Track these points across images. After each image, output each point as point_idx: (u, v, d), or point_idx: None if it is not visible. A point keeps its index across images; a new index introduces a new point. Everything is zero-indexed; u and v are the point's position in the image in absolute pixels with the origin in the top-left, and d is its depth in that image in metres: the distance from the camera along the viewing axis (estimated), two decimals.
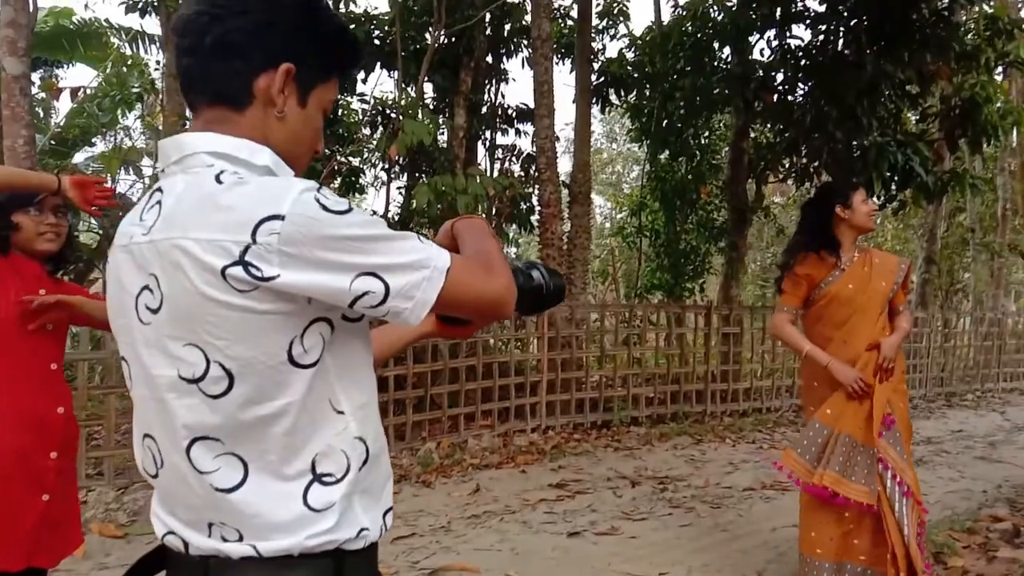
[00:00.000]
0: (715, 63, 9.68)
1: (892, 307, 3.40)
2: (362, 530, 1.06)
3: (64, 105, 12.65)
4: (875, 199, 9.09)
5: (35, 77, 9.14)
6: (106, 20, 10.73)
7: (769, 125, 10.08)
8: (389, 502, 1.15)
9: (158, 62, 9.97)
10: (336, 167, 6.56)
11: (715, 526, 4.71)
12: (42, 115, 10.51)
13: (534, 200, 8.40)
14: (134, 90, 8.73)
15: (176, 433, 1.04)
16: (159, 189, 1.07)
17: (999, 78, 9.69)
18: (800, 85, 9.27)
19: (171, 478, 1.07)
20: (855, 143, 8.64)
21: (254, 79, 1.06)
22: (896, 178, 8.68)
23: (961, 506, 5.10)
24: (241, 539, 1.03)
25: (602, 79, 9.54)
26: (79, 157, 11.26)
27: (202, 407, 1.01)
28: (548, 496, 5.34)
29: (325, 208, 0.95)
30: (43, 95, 10.25)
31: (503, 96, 11.85)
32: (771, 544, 4.32)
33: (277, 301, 0.96)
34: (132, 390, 1.11)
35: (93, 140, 12.47)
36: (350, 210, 0.97)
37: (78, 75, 51.19)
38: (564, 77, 36.20)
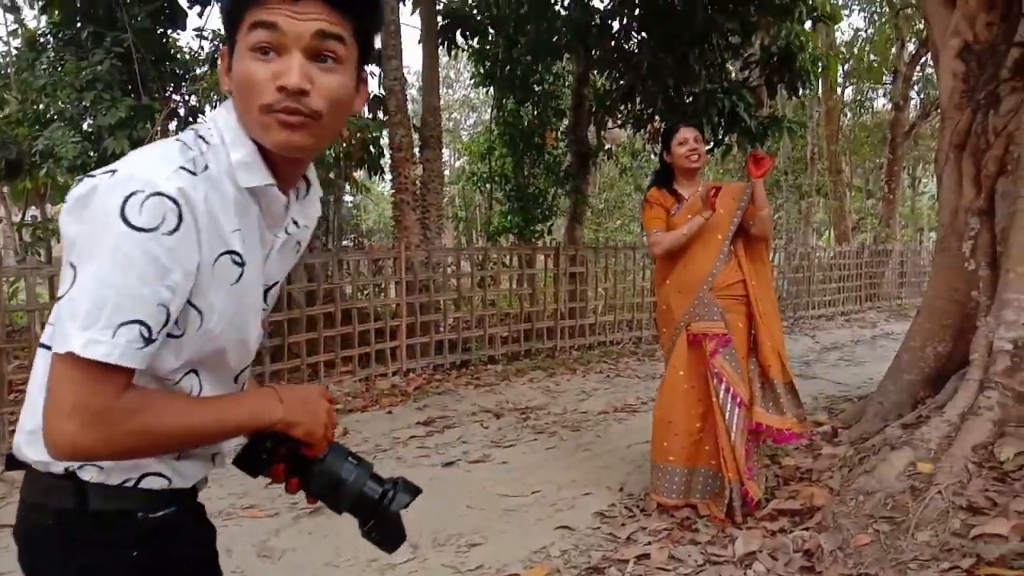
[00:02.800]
0: (556, 9, 9.87)
1: (749, 215, 3.68)
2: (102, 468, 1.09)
3: None
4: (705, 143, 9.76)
5: None
6: None
7: (608, 72, 10.47)
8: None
9: None
10: (174, 107, 6.15)
11: (577, 447, 5.03)
12: None
13: (383, 143, 8.28)
14: None
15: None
16: None
17: (809, 29, 10.58)
18: (636, 34, 9.67)
19: None
20: (686, 90, 9.19)
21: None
22: (723, 123, 9.35)
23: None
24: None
25: (447, 21, 9.47)
26: None
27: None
28: (417, 433, 5.46)
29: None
30: None
31: None
32: (628, 459, 4.69)
33: None
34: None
35: None
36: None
37: None
38: (408, 19, 35.36)
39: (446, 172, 26.17)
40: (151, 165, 0.98)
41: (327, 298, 6.90)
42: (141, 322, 0.96)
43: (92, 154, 5.78)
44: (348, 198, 20.97)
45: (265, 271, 1.16)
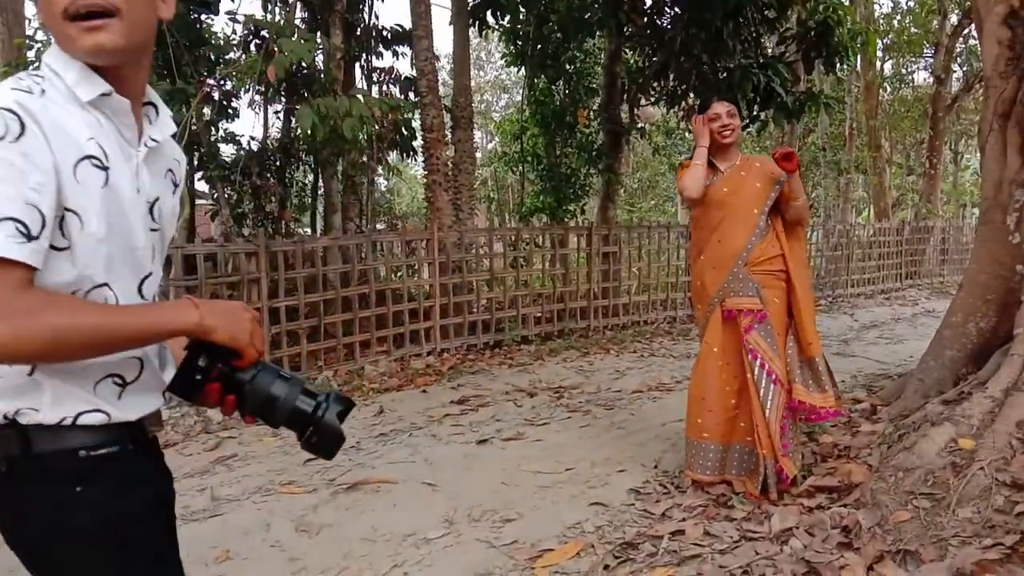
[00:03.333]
0: None
1: (784, 201, 3.62)
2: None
3: None
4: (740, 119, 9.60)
5: None
6: None
7: (640, 49, 10.34)
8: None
9: None
10: (208, 91, 6.22)
11: (611, 425, 5.03)
12: None
13: (415, 125, 8.29)
14: None
15: None
16: None
17: (847, 2, 10.33)
18: (668, 9, 9.52)
19: None
20: (720, 66, 9.04)
21: None
22: (758, 99, 9.18)
23: None
24: None
25: (478, 1, 9.42)
26: None
27: None
28: (452, 411, 5.50)
29: None
30: None
31: (377, 17, 11.48)
32: (663, 436, 4.67)
33: None
34: None
35: None
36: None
37: None
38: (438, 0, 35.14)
39: (478, 154, 26.18)
40: None
41: (361, 279, 6.96)
42: (15, 219, 1.02)
43: None
44: (382, 181, 21.15)
45: (140, 184, 1.23)
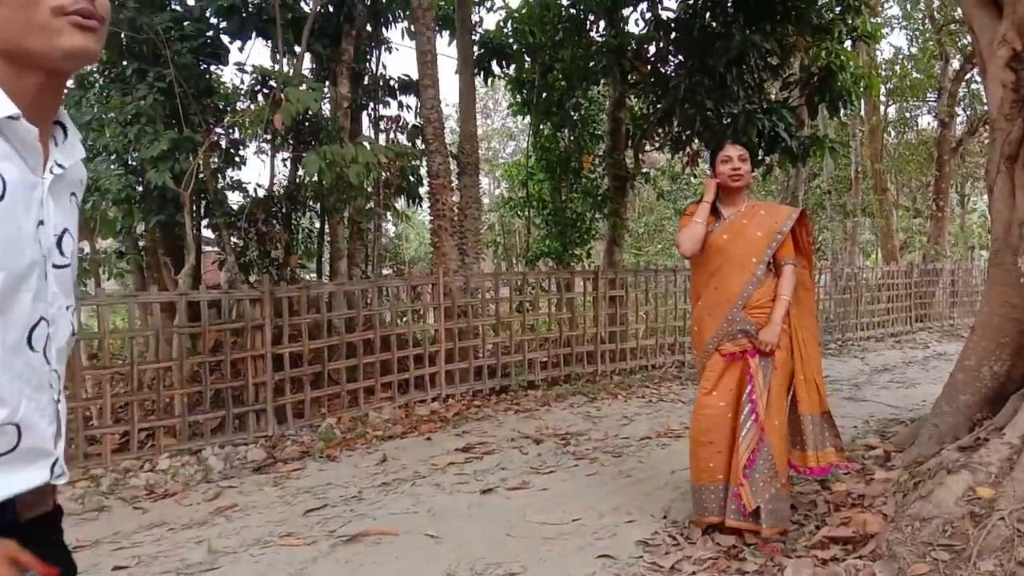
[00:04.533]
0: (591, 35, 9.91)
1: (776, 260, 3.61)
2: None
3: None
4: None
5: None
6: None
7: (644, 96, 10.44)
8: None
9: None
10: (215, 140, 6.28)
11: (619, 473, 4.92)
12: None
13: (422, 172, 8.34)
14: None
15: None
16: None
17: (849, 48, 10.43)
18: (672, 56, 9.63)
19: None
20: (724, 111, 9.10)
21: None
22: (763, 144, 9.22)
23: None
24: None
25: (483, 50, 9.57)
26: None
27: None
28: (456, 459, 5.40)
29: None
30: None
31: (385, 67, 11.68)
32: (672, 485, 4.57)
33: None
34: None
35: None
36: None
37: None
38: (444, 49, 35.82)
39: (485, 199, 26.37)
40: None
41: (367, 325, 6.92)
42: None
43: (137, 187, 5.91)
44: (391, 227, 21.26)
45: (44, 215, 1.08)
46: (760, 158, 9.66)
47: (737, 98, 9.01)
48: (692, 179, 15.62)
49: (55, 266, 1.11)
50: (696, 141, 9.67)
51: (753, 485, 3.38)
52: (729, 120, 8.97)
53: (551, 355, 8.35)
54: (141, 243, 7.20)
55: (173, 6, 6.81)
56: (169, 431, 5.70)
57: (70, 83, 6.89)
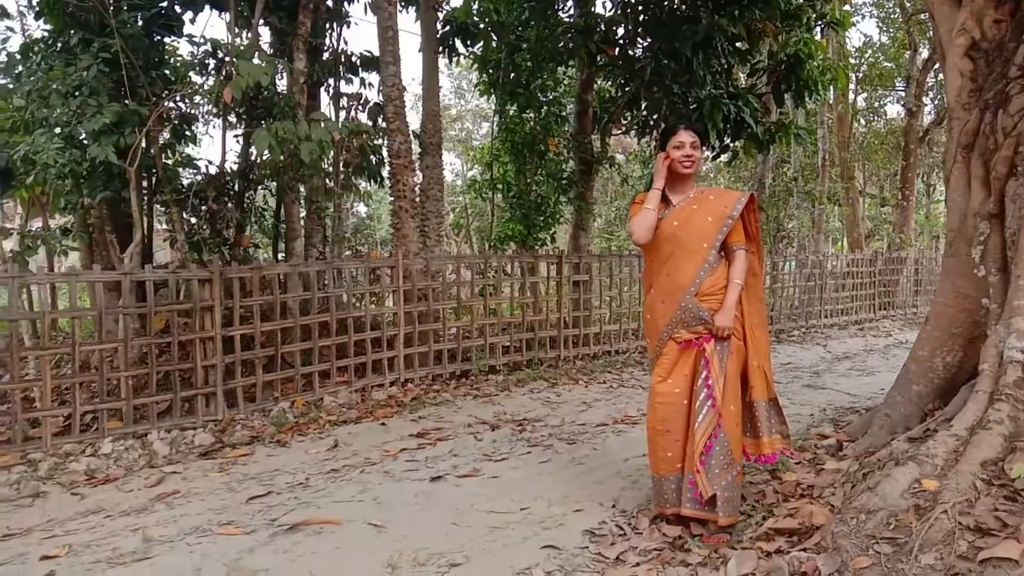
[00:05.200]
0: (559, 15, 9.77)
1: (727, 246, 3.55)
2: None
3: None
4: (710, 148, 9.60)
5: None
6: None
7: (612, 78, 10.32)
8: None
9: None
10: (164, 114, 6.05)
11: (572, 460, 4.86)
12: None
13: (384, 153, 8.16)
14: None
15: None
16: None
17: (818, 37, 10.40)
18: (640, 39, 9.52)
19: None
20: (691, 96, 9.03)
21: None
22: (729, 129, 9.18)
23: (793, 428, 5.54)
24: None
25: (448, 28, 9.37)
26: None
27: None
28: (409, 445, 5.31)
29: None
30: None
31: (346, 42, 11.41)
32: (624, 473, 4.52)
33: None
34: None
35: None
36: None
37: None
38: (409, 25, 35.26)
39: (458, 182, 26.15)
40: None
41: (322, 307, 6.77)
42: None
43: (83, 163, 5.69)
44: (362, 208, 20.97)
45: None
46: (725, 144, 9.62)
47: (704, 83, 8.95)
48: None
49: None
50: (663, 125, 9.60)
51: (709, 472, 3.32)
52: (695, 105, 8.91)
53: (513, 340, 8.27)
54: (89, 220, 6.95)
55: None
56: (114, 414, 5.53)
57: (13, 50, 6.62)
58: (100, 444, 5.19)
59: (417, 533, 3.64)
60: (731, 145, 9.79)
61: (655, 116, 9.59)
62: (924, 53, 16.51)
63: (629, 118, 10.19)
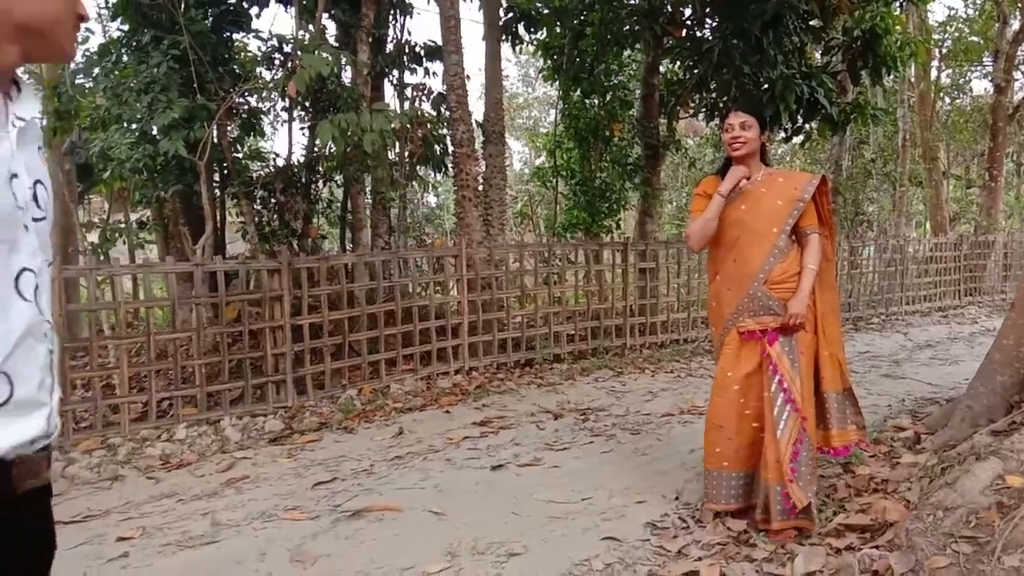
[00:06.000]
0: None
1: (799, 230, 3.40)
2: None
3: None
4: (782, 130, 9.29)
5: None
6: None
7: (679, 61, 10.09)
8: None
9: None
10: (232, 108, 6.20)
11: (635, 451, 4.78)
12: None
13: (447, 142, 8.19)
14: None
15: None
16: None
17: (897, 11, 9.91)
18: (708, 19, 9.27)
19: None
20: (762, 77, 8.74)
21: None
22: (802, 110, 8.85)
23: (868, 420, 5.32)
24: None
25: (510, 15, 9.32)
26: None
27: None
28: (472, 433, 5.33)
29: None
30: None
31: (409, 33, 11.44)
32: (689, 465, 4.41)
33: None
34: None
35: None
36: None
37: None
38: (472, 14, 35.33)
39: (525, 170, 26.11)
40: None
41: (388, 296, 6.85)
42: None
43: (156, 157, 5.88)
44: (431, 198, 21.15)
45: (16, 168, 1.11)
46: (799, 125, 9.28)
47: (775, 63, 8.64)
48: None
49: (34, 219, 1.14)
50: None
51: (801, 479, 3.17)
52: (766, 85, 8.61)
53: (578, 328, 8.19)
54: (164, 213, 7.20)
55: None
56: (189, 401, 5.72)
57: (93, 50, 6.89)
58: (175, 430, 5.38)
59: (477, 521, 3.64)
60: (804, 127, 9.44)
61: (724, 98, 9.32)
62: (1015, 25, 15.57)
63: (697, 101, 9.94)
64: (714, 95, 9.52)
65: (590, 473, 4.35)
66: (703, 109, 9.81)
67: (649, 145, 9.78)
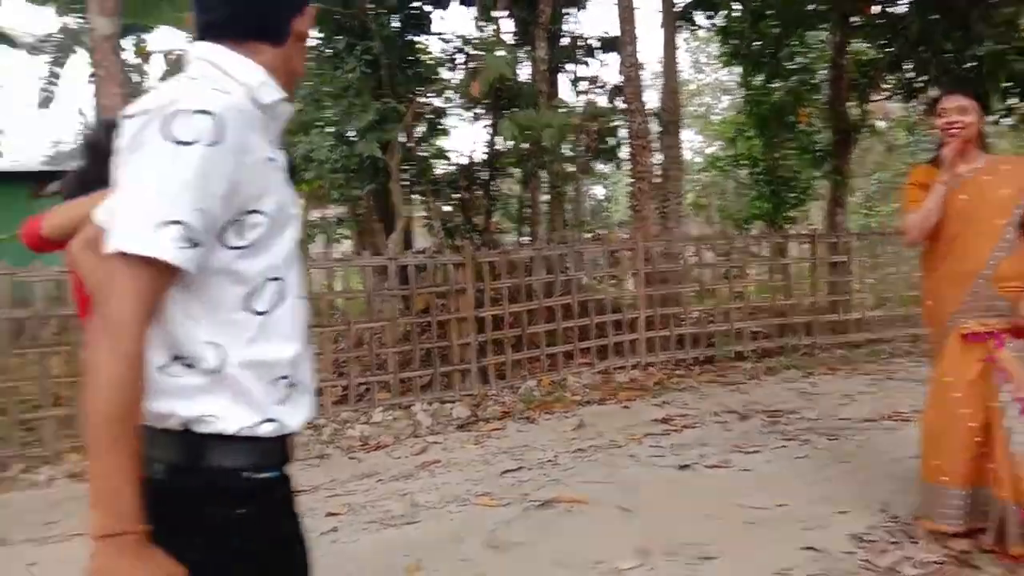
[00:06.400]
0: None
1: None
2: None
3: (155, 68, 12.99)
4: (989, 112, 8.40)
5: (126, 43, 9.36)
6: None
7: (871, 39, 9.38)
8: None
9: None
10: (418, 110, 6.49)
11: (833, 458, 4.50)
12: (135, 79, 10.85)
13: (621, 133, 8.11)
14: None
15: None
16: None
17: None
18: None
19: None
20: (967, 54, 7.93)
21: (293, 19, 1.27)
22: (1017, 89, 7.95)
23: None
24: None
25: (688, 1, 9.06)
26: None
27: None
28: (654, 430, 5.26)
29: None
30: (136, 59, 10.55)
31: (582, 25, 11.52)
32: (895, 475, 4.08)
33: None
34: None
35: None
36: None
37: (164, 38, 52.42)
38: (645, 3, 34.92)
39: (697, 159, 25.41)
40: (189, 91, 1.11)
41: (564, 290, 6.91)
42: (184, 223, 1.04)
43: (352, 158, 6.26)
44: (600, 190, 21.11)
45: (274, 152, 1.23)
46: (1010, 105, 8.34)
47: (982, 38, 7.79)
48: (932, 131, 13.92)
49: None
50: (933, 88, 8.53)
51: None
52: (974, 63, 7.80)
53: (762, 325, 7.85)
54: (358, 210, 7.68)
55: None
56: (383, 386, 6.07)
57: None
58: (372, 413, 5.72)
59: (667, 520, 3.59)
60: (1017, 107, 8.47)
61: (923, 78, 8.56)
62: None
63: (892, 82, 9.21)
64: (911, 75, 8.78)
65: (785, 478, 4.15)
66: (899, 91, 9.06)
67: (839, 130, 9.17)
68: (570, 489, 4.09)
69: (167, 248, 1.02)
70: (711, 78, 29.14)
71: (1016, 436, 2.89)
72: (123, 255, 1.02)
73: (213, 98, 1.09)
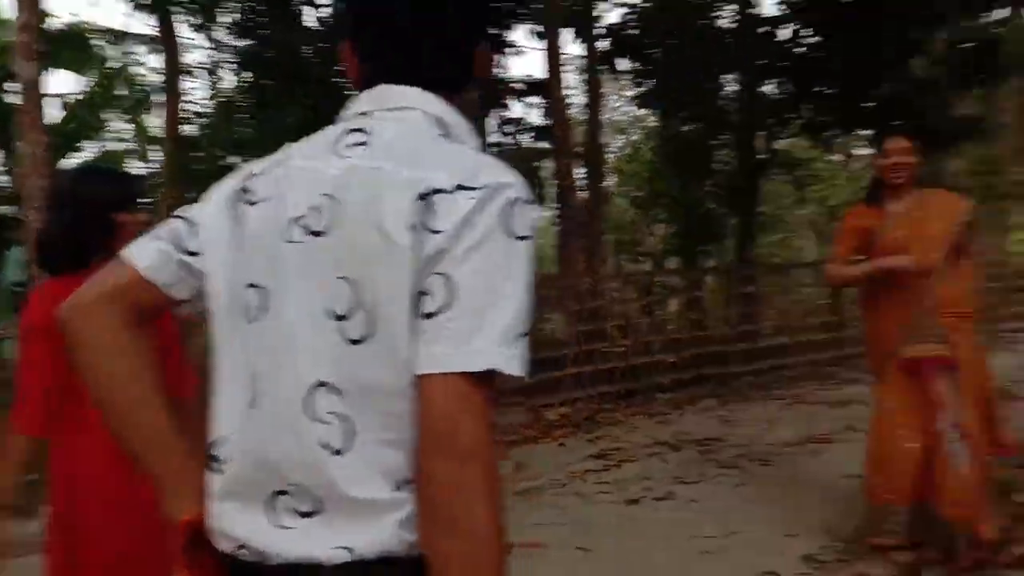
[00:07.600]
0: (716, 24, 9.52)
1: (956, 253, 3.27)
2: None
3: (51, 111, 12.35)
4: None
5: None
6: (88, 23, 10.62)
7: (777, 80, 9.84)
8: None
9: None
10: None
11: (770, 483, 4.65)
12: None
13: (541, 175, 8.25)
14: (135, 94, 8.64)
15: (299, 369, 0.94)
16: (360, 129, 1.00)
17: None
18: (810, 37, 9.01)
19: (267, 423, 0.96)
20: (869, 93, 8.47)
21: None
22: (912, 126, 8.52)
23: None
24: (315, 513, 0.93)
25: (611, 48, 9.28)
26: (67, 163, 11.24)
27: (337, 348, 0.92)
28: (593, 467, 5.27)
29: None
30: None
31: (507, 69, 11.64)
32: (832, 496, 4.25)
33: None
34: (253, 321, 0.99)
35: (79, 145, 12.41)
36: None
37: (59, 81, 49.94)
38: (569, 47, 35.81)
39: (620, 198, 26.03)
40: (501, 170, 0.94)
41: None
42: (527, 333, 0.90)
43: None
44: None
45: None
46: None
47: (879, 80, 8.36)
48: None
49: None
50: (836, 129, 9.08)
51: (982, 512, 3.05)
52: (873, 103, 8.33)
53: (679, 357, 8.05)
54: None
55: None
56: None
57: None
58: None
59: (627, 557, 3.60)
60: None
61: (824, 119, 9.08)
62: None
63: (797, 120, 9.70)
64: (811, 115, 9.30)
65: (730, 507, 4.24)
66: (805, 130, 9.58)
67: (748, 168, 9.61)
68: (523, 533, 4.03)
69: (519, 362, 0.88)
70: (605, 117, 29.98)
71: (957, 459, 3.06)
72: (469, 374, 0.85)
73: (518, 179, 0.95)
